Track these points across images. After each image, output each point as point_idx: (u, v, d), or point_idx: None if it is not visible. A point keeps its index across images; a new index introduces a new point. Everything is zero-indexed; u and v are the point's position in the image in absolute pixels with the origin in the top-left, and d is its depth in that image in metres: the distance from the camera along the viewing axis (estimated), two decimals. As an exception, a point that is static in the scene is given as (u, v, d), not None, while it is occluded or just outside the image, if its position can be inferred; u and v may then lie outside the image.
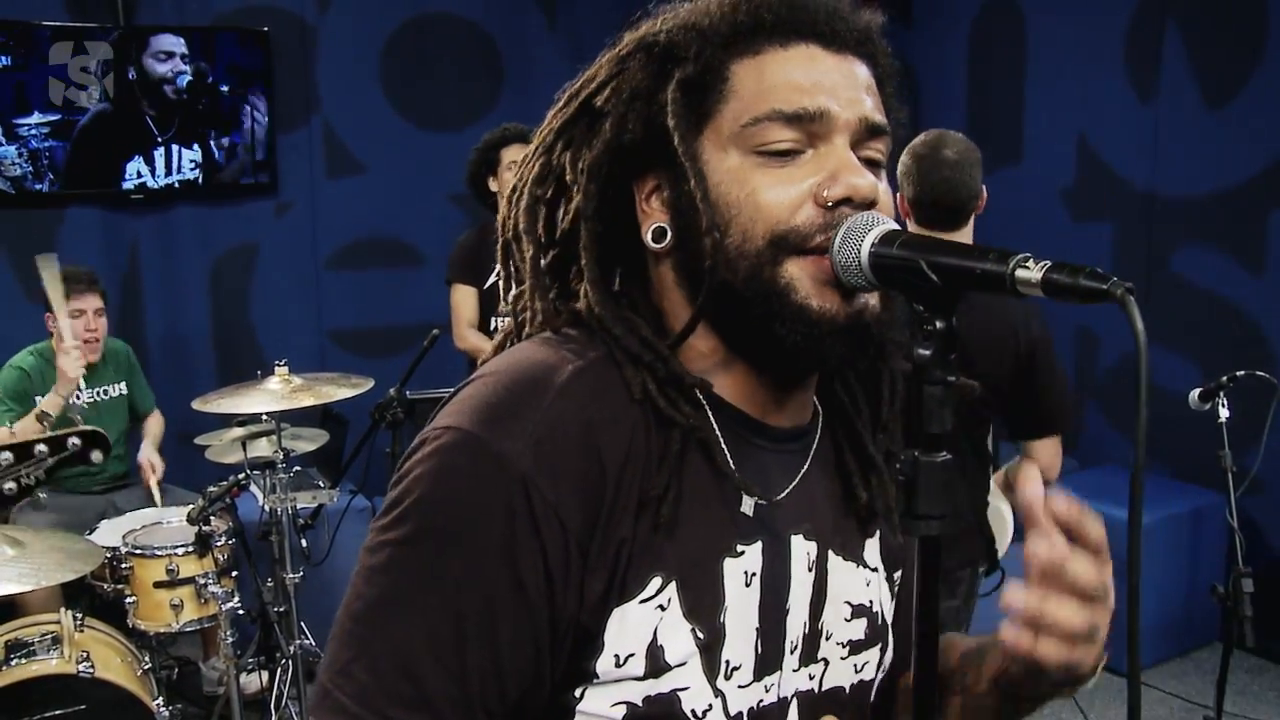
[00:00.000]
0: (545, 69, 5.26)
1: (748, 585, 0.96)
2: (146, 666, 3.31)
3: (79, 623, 3.27)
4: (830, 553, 1.03)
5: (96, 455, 2.09)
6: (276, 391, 3.49)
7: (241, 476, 3.45)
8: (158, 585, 3.34)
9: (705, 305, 0.94)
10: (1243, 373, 2.97)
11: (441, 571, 0.87)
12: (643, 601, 0.91)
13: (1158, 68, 4.41)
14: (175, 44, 4.63)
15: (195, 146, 4.75)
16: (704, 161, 0.94)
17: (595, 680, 0.91)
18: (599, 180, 0.98)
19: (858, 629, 1.06)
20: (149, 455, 4.09)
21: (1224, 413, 2.91)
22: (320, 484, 3.71)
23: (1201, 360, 4.32)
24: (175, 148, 4.72)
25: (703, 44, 0.94)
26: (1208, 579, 3.58)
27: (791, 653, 1.00)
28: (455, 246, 4.13)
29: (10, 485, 1.99)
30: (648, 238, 0.97)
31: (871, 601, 1.07)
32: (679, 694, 0.93)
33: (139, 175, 4.66)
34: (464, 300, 4.04)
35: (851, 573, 1.05)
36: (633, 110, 0.96)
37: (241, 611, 3.40)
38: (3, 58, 4.35)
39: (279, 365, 3.55)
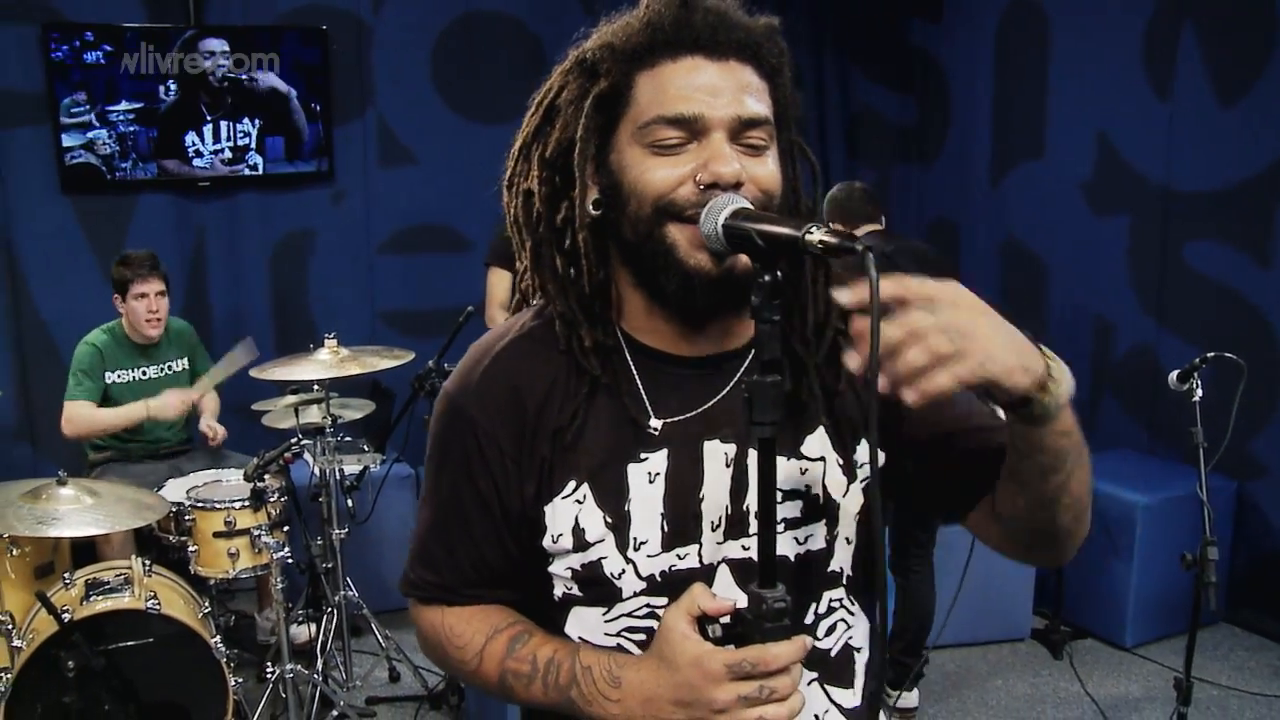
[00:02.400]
0: (588, 66, 5.52)
1: (651, 482, 1.25)
2: (206, 610, 3.64)
3: (148, 568, 3.62)
4: (751, 450, 1.23)
5: None
6: (326, 361, 3.81)
7: (294, 441, 3.77)
8: (217, 535, 3.67)
9: (623, 257, 1.24)
10: (1213, 354, 3.14)
11: (436, 486, 1.34)
12: (564, 497, 1.26)
13: (1173, 67, 4.56)
14: (232, 43, 4.98)
15: (252, 136, 5.08)
16: (618, 151, 1.21)
17: (551, 554, 1.28)
18: (550, 169, 1.26)
19: (792, 509, 1.27)
20: (209, 423, 4.42)
21: (1199, 393, 3.09)
22: (365, 449, 4.01)
23: (1211, 348, 4.45)
24: (230, 131, 5.05)
25: (614, 60, 1.21)
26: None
27: (714, 529, 1.26)
28: (494, 233, 4.42)
29: None
30: (589, 206, 1.24)
31: (809, 486, 1.28)
32: (601, 561, 1.26)
33: (197, 153, 5.00)
34: (498, 283, 4.33)
35: (783, 462, 1.23)
36: (572, 115, 1.24)
37: (291, 561, 3.70)
38: (96, 54, 4.73)
39: (328, 337, 3.86)
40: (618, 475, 1.25)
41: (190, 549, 3.74)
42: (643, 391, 1.26)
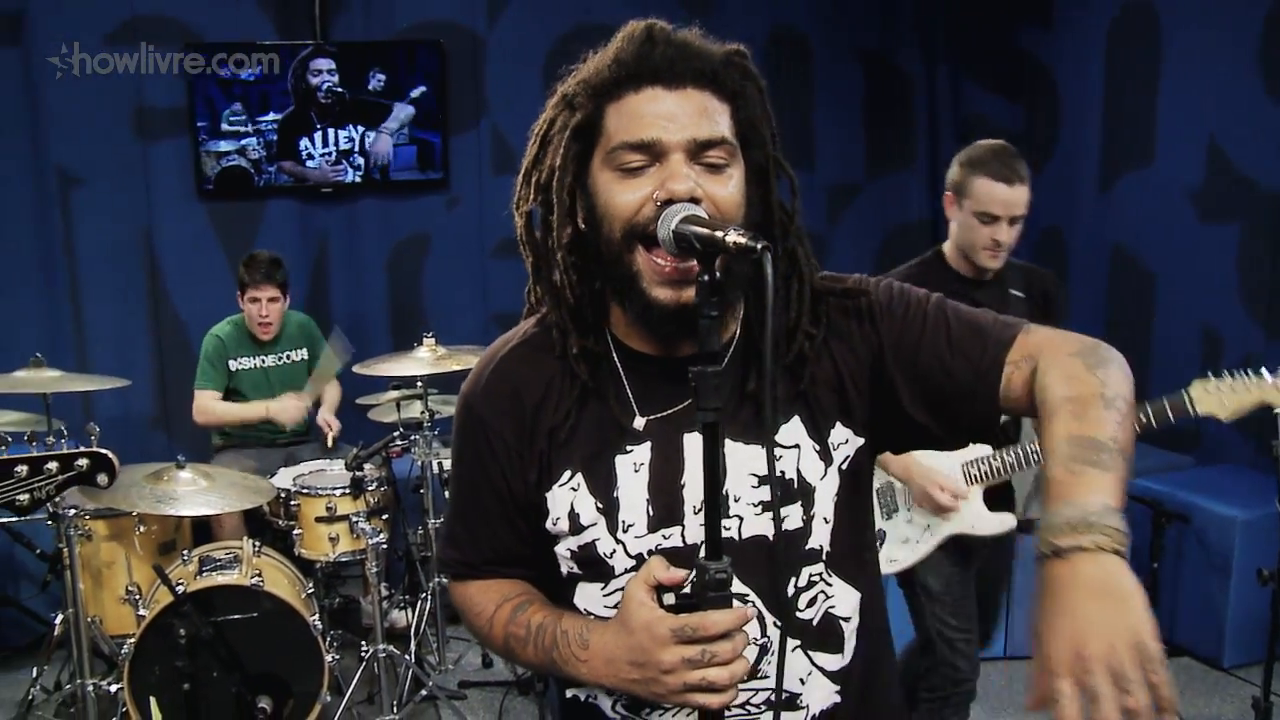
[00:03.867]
0: (695, 75, 5.65)
1: (636, 472, 1.39)
2: (309, 591, 3.89)
3: (257, 549, 3.90)
4: (728, 440, 1.35)
5: (102, 478, 2.19)
6: (425, 359, 4.04)
7: (394, 435, 4.01)
8: (319, 520, 3.93)
9: (603, 276, 1.38)
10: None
11: (458, 473, 1.52)
12: (560, 485, 1.42)
13: (1289, 69, 4.43)
14: (353, 58, 5.28)
15: (371, 144, 5.37)
16: (594, 178, 1.35)
17: (554, 536, 1.43)
18: (544, 193, 1.40)
19: (766, 493, 1.38)
20: (326, 417, 4.71)
21: (1281, 405, 3.01)
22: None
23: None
24: (348, 139, 5.35)
25: (587, 94, 1.35)
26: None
27: (695, 513, 1.38)
28: None
29: (24, 497, 2.13)
30: (579, 224, 1.37)
31: (783, 471, 1.39)
32: (594, 543, 1.41)
33: (315, 157, 5.32)
34: None
35: (756, 451, 1.38)
36: (555, 145, 1.38)
37: (386, 547, 3.93)
38: (233, 70, 5.11)
39: (426, 336, 4.09)
40: (607, 466, 1.39)
41: (295, 532, 4.01)
42: (629, 391, 1.40)
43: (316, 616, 3.73)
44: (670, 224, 1.24)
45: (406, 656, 4.00)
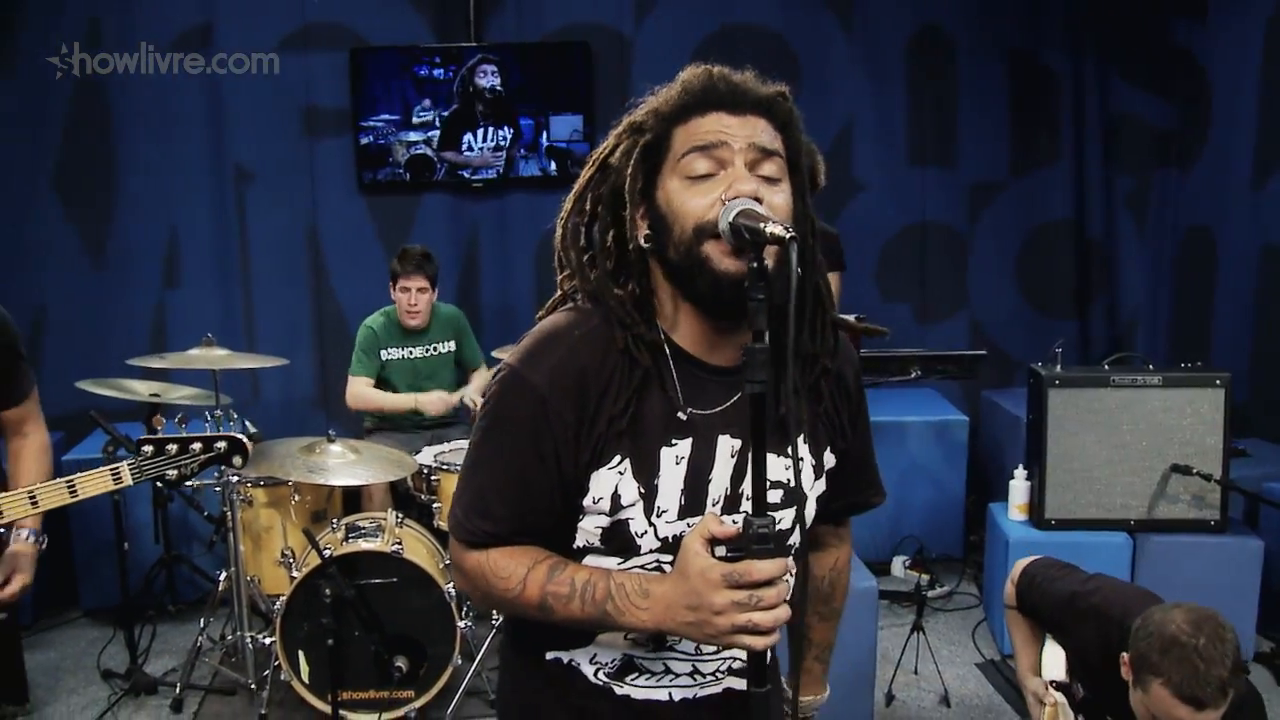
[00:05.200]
0: (839, 75, 5.71)
1: (677, 464, 1.54)
2: (447, 562, 4.13)
3: (400, 520, 4.17)
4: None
5: (237, 460, 2.49)
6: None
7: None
8: (457, 495, 4.15)
9: (668, 275, 1.53)
10: None
11: (500, 446, 1.55)
12: (609, 468, 1.54)
13: None
14: (504, 58, 5.52)
15: (522, 142, 5.61)
16: (662, 189, 1.51)
17: (585, 511, 1.56)
18: (609, 208, 1.57)
19: (774, 496, 1.57)
20: (471, 395, 4.97)
21: None
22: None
23: None
24: (501, 136, 5.60)
25: (657, 120, 1.52)
26: None
27: (714, 505, 1.55)
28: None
29: (172, 472, 2.44)
30: (641, 240, 1.54)
31: (789, 480, 1.58)
32: (629, 522, 1.55)
33: (473, 154, 5.59)
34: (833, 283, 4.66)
35: (774, 460, 1.56)
36: (623, 163, 1.54)
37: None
38: (395, 70, 5.44)
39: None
40: (652, 455, 1.54)
41: (435, 506, 4.25)
42: (678, 387, 1.55)
43: (451, 585, 3.96)
44: (729, 216, 1.40)
45: (535, 627, 4.20)
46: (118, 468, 2.40)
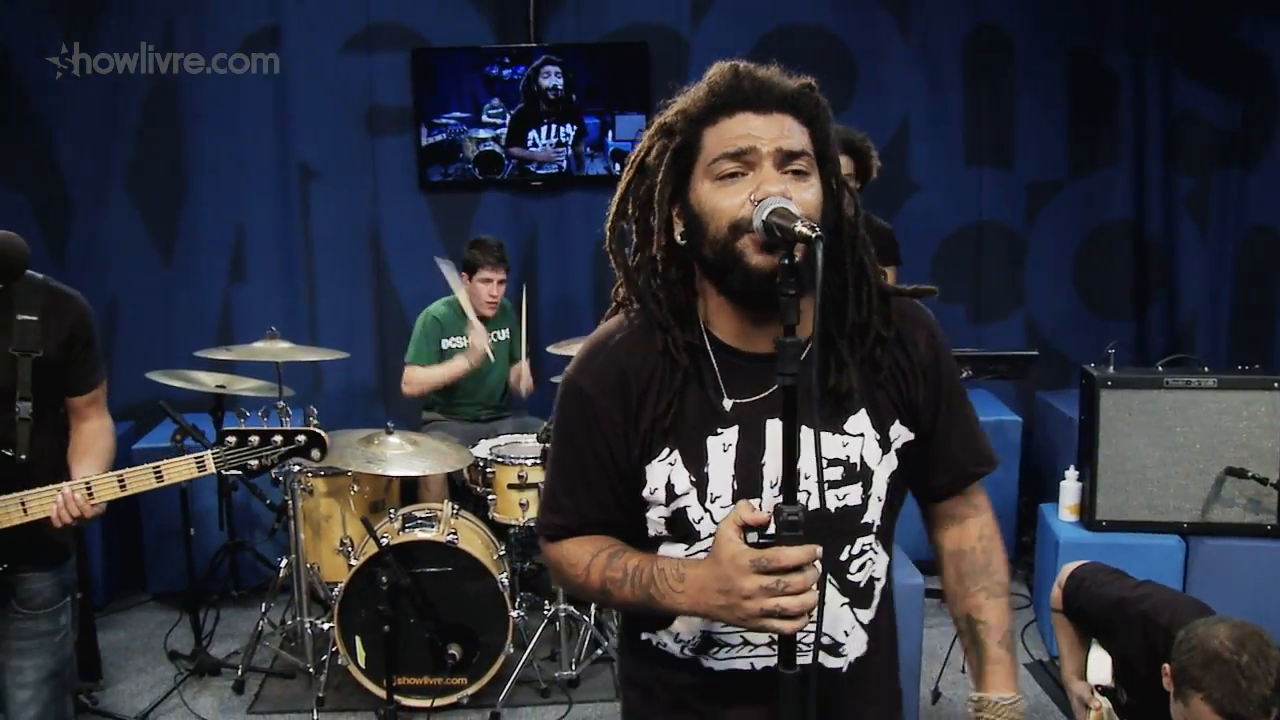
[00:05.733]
0: (896, 75, 5.70)
1: (725, 451, 1.62)
2: (501, 553, 4.23)
3: (455, 511, 4.27)
4: (804, 427, 1.54)
5: (315, 453, 2.60)
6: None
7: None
8: (510, 487, 4.24)
9: (705, 271, 1.60)
10: None
11: (563, 448, 1.72)
12: (660, 460, 1.64)
13: None
14: (564, 59, 5.60)
15: (584, 140, 5.69)
16: (694, 190, 1.57)
17: (648, 503, 1.66)
18: (643, 209, 1.64)
19: (834, 473, 1.62)
20: (523, 374, 5.07)
21: None
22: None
23: None
24: (562, 134, 5.68)
25: (686, 122, 1.58)
26: None
27: (771, 487, 1.60)
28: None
29: (253, 462, 2.57)
30: (678, 238, 1.61)
31: (849, 456, 1.62)
32: (685, 509, 1.64)
33: (535, 144, 5.69)
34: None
35: (829, 437, 1.61)
36: (655, 166, 1.61)
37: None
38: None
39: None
40: (700, 445, 1.62)
41: (490, 497, 4.34)
42: (720, 379, 1.62)
43: (505, 575, 4.05)
44: (762, 215, 1.46)
45: (586, 618, 4.29)
46: (202, 456, 2.53)
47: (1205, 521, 4.07)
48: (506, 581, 4.03)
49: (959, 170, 5.80)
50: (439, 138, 5.61)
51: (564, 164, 5.70)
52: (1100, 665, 2.98)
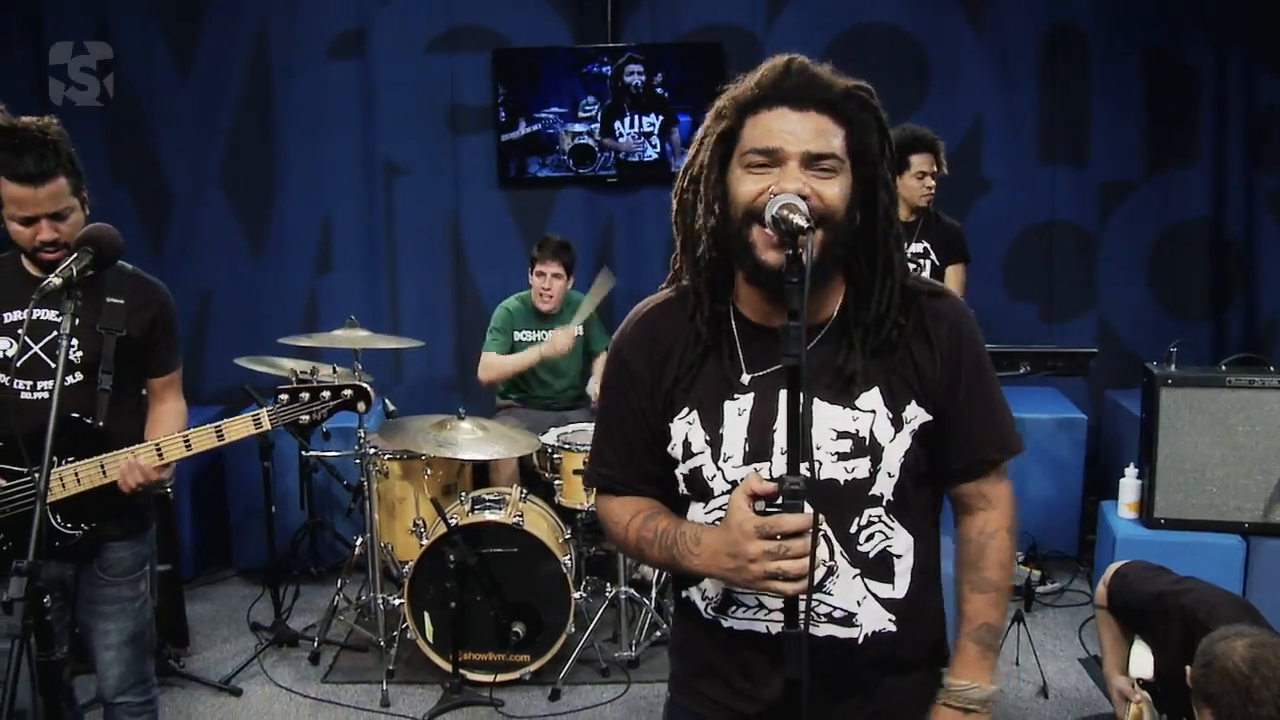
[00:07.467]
0: (969, 74, 5.71)
1: (739, 415, 1.74)
2: (566, 536, 4.37)
3: (524, 495, 4.43)
4: (816, 399, 1.69)
5: (361, 405, 2.77)
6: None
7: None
8: (576, 473, 4.37)
9: (728, 251, 1.71)
10: None
11: (607, 405, 1.89)
12: (680, 419, 1.79)
13: None
14: (643, 57, 5.73)
15: (656, 138, 5.82)
16: (731, 173, 1.69)
17: (674, 460, 1.80)
18: (694, 184, 1.75)
19: (844, 446, 1.70)
20: (596, 387, 5.19)
21: None
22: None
23: None
24: (650, 125, 5.83)
25: (734, 109, 1.69)
26: None
27: (781, 454, 1.68)
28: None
29: (305, 418, 2.74)
30: (716, 211, 1.71)
31: (858, 430, 1.71)
32: (700, 468, 1.77)
33: (621, 135, 5.85)
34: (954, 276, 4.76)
35: (839, 411, 1.71)
36: (708, 147, 1.72)
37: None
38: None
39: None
40: (717, 408, 1.75)
41: (556, 483, 4.49)
42: (740, 350, 1.75)
43: (570, 558, 4.19)
44: (774, 208, 1.57)
45: (646, 601, 4.41)
46: (258, 414, 2.72)
47: (1267, 522, 4.04)
48: (570, 564, 4.17)
49: (1032, 169, 5.79)
50: (535, 129, 5.81)
51: (646, 153, 5.86)
52: (1143, 659, 3.00)
